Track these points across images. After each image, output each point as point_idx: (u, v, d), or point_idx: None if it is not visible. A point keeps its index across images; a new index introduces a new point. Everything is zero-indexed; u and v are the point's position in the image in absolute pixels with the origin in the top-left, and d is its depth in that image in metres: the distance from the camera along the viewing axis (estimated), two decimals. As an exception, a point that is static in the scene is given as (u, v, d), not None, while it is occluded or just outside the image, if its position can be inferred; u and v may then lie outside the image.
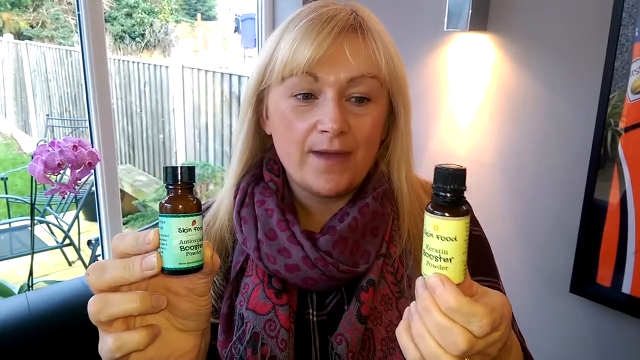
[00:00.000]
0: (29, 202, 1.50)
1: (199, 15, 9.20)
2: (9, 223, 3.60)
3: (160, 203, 0.52)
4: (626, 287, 1.37)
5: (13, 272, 3.38)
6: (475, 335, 0.46)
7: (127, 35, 8.18)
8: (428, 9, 1.76)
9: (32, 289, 1.51)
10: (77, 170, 1.28)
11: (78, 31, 1.65)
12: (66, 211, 3.76)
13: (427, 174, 0.82)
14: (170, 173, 0.53)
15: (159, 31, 8.36)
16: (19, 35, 7.46)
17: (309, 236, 0.70)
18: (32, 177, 1.29)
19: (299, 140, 0.69)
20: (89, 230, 3.94)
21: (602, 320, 1.48)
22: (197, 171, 3.79)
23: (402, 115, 0.74)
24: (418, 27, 1.80)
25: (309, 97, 0.68)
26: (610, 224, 1.38)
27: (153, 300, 0.52)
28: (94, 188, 1.80)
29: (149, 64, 4.93)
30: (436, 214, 0.48)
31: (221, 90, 4.17)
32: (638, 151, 1.31)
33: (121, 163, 5.29)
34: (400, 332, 0.51)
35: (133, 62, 5.18)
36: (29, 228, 1.48)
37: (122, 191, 4.60)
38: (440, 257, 0.48)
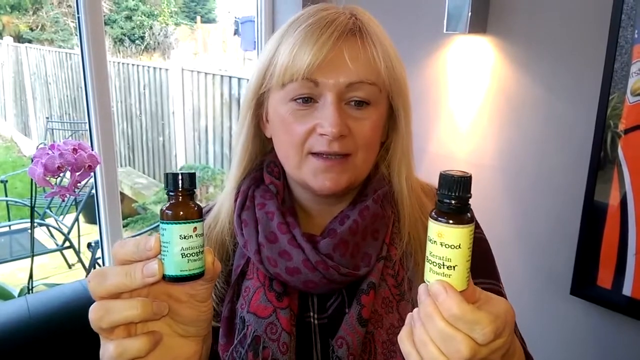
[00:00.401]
0: (29, 204, 1.50)
1: (198, 17, 9.21)
2: (9, 226, 3.60)
3: (161, 210, 0.52)
4: (627, 289, 1.37)
5: (13, 275, 3.37)
6: (478, 342, 0.46)
7: (126, 38, 8.19)
8: (427, 12, 1.76)
9: (32, 292, 1.51)
10: (77, 173, 1.28)
11: (78, 34, 1.65)
12: (66, 214, 3.76)
13: (427, 176, 0.82)
14: (171, 180, 0.53)
15: (159, 34, 8.37)
16: (19, 38, 7.47)
17: (310, 239, 0.70)
18: (32, 180, 1.29)
19: (298, 143, 0.69)
20: (89, 232, 3.94)
21: (602, 322, 1.48)
22: (197, 174, 3.78)
23: (402, 118, 0.74)
24: (418, 29, 1.80)
25: (308, 101, 0.68)
26: (611, 226, 1.38)
27: (154, 307, 0.52)
28: (93, 191, 1.80)
29: (148, 67, 4.93)
30: (440, 221, 0.48)
31: (221, 93, 4.17)
32: (638, 153, 1.31)
33: (121, 166, 5.29)
34: (403, 338, 0.51)
35: (133, 64, 5.18)
36: (29, 231, 1.48)
37: (122, 194, 4.60)
38: (443, 265, 0.48)
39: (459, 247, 0.47)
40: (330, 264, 0.67)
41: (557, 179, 1.53)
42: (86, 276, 0.57)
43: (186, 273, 0.52)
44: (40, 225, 3.53)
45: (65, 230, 3.42)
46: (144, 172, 5.16)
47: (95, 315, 0.51)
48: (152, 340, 0.53)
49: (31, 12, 7.81)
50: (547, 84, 1.51)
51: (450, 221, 0.47)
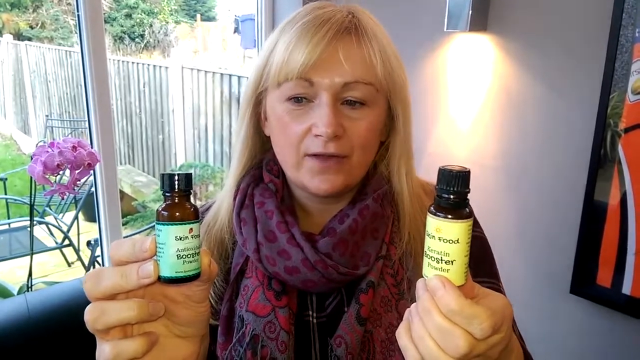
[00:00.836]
0: (28, 202, 1.50)
1: (198, 16, 9.20)
2: (8, 224, 3.60)
3: (157, 210, 0.52)
4: (626, 288, 1.37)
5: (12, 273, 3.38)
6: (476, 337, 0.46)
7: (126, 36, 8.18)
8: (428, 10, 1.76)
9: (31, 290, 1.51)
10: (77, 171, 1.28)
11: (77, 32, 1.65)
12: (65, 212, 3.76)
13: (427, 175, 0.82)
14: (167, 181, 0.52)
15: (159, 32, 8.36)
16: (19, 36, 7.46)
17: (309, 238, 0.69)
18: (31, 177, 1.29)
19: (294, 144, 0.68)
20: (89, 231, 3.93)
21: (602, 321, 1.48)
22: (197, 172, 3.78)
23: (400, 117, 0.74)
24: (418, 28, 1.80)
25: (303, 100, 0.68)
26: (611, 225, 1.38)
27: (150, 308, 0.52)
28: (93, 189, 1.79)
29: (148, 65, 4.92)
30: (439, 215, 0.48)
31: (221, 91, 4.17)
32: (638, 151, 1.31)
33: (121, 164, 5.29)
34: (401, 333, 0.51)
35: (132, 62, 5.18)
36: (28, 229, 1.47)
37: (121, 192, 4.60)
38: (442, 259, 0.48)
39: (457, 242, 0.47)
40: (330, 263, 0.67)
41: (557, 178, 1.53)
42: (85, 274, 0.57)
43: (181, 274, 0.51)
44: (40, 223, 3.53)
45: (65, 228, 3.42)
46: (143, 170, 5.16)
47: (91, 316, 0.51)
48: (149, 341, 0.52)
49: (31, 10, 7.80)
50: (548, 82, 1.51)
51: (449, 216, 0.47)
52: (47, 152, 1.25)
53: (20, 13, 7.75)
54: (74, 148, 1.27)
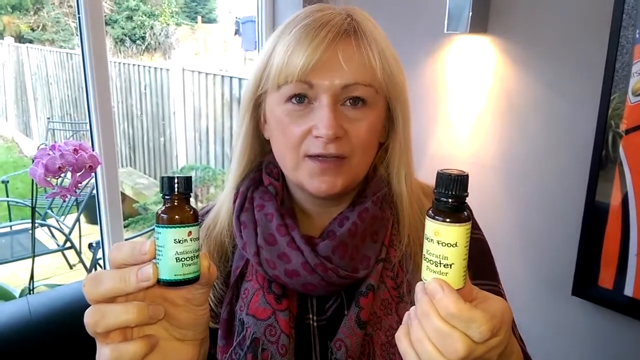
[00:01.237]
0: (30, 205, 1.50)
1: (199, 18, 9.21)
2: (10, 226, 3.61)
3: (157, 213, 0.52)
4: (628, 290, 1.37)
5: (14, 276, 3.38)
6: (475, 340, 0.46)
7: (127, 38, 8.19)
8: (428, 12, 1.76)
9: (33, 293, 1.51)
10: (78, 174, 1.29)
11: (79, 34, 1.65)
12: (67, 214, 3.76)
13: (427, 178, 0.81)
14: (166, 183, 0.52)
15: (160, 34, 8.37)
16: (20, 39, 7.47)
17: (309, 241, 0.69)
18: (32, 180, 1.29)
19: (294, 145, 0.68)
20: (90, 233, 3.94)
21: (604, 322, 1.48)
22: (198, 174, 3.79)
23: (400, 119, 0.74)
24: (418, 29, 1.80)
25: (303, 100, 0.68)
26: (612, 226, 1.38)
27: (150, 311, 0.52)
28: (94, 191, 1.80)
29: (149, 67, 4.93)
30: (437, 219, 0.48)
31: (222, 93, 4.17)
32: (639, 153, 1.31)
33: (122, 166, 5.29)
34: (400, 336, 0.51)
35: (133, 65, 5.18)
36: (30, 231, 1.48)
37: (123, 194, 4.60)
38: (440, 263, 0.48)
39: (456, 246, 0.48)
40: (329, 267, 0.67)
41: (558, 179, 1.53)
42: (85, 277, 0.57)
43: (180, 277, 0.51)
44: (42, 225, 3.53)
45: (67, 231, 3.43)
46: (144, 173, 5.16)
47: (91, 319, 0.51)
48: (148, 344, 0.53)
49: (32, 13, 7.81)
50: (548, 84, 1.51)
51: (447, 219, 0.47)
52: (49, 154, 1.26)
53: (22, 15, 7.76)
54: (76, 151, 1.28)
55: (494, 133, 1.66)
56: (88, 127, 1.73)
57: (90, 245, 2.89)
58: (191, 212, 0.52)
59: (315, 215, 0.77)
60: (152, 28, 8.34)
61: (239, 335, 0.71)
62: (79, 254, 3.41)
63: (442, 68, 1.76)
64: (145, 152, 5.11)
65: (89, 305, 0.52)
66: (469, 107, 1.71)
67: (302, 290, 0.69)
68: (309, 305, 0.73)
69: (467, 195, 0.48)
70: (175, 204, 0.52)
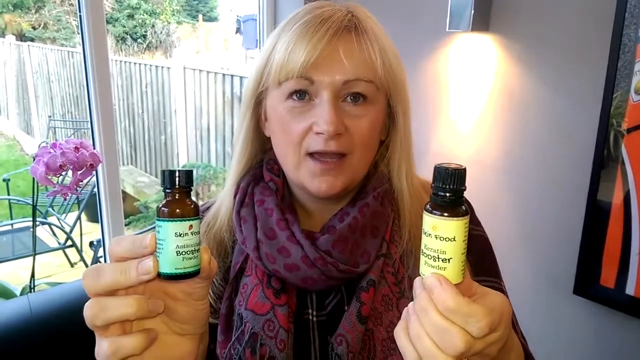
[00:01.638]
0: (31, 203, 1.50)
1: (200, 16, 9.21)
2: (11, 224, 3.61)
3: (158, 207, 0.52)
4: (630, 289, 1.37)
5: (15, 274, 3.38)
6: (474, 336, 0.46)
7: (128, 36, 8.19)
8: (430, 10, 1.76)
9: (34, 291, 1.51)
10: (79, 172, 1.28)
11: (80, 33, 1.65)
12: (68, 212, 3.76)
13: (429, 176, 0.81)
14: (167, 177, 0.52)
15: (161, 32, 8.37)
16: (21, 37, 7.48)
17: (309, 236, 0.69)
18: (34, 178, 1.29)
19: (295, 142, 0.68)
20: (91, 231, 3.94)
21: (605, 321, 1.47)
22: (199, 172, 3.79)
23: (400, 115, 0.74)
24: (420, 27, 1.80)
25: (304, 96, 0.68)
26: (614, 225, 1.38)
27: (150, 305, 0.52)
28: (95, 189, 1.80)
29: (150, 65, 4.93)
30: (435, 213, 0.48)
31: (223, 91, 4.17)
32: (641, 152, 1.31)
33: (123, 164, 5.29)
34: (399, 332, 0.51)
35: (135, 63, 5.18)
36: (31, 229, 1.48)
37: (124, 192, 4.59)
38: (438, 257, 0.48)
39: (454, 240, 0.47)
40: (329, 261, 0.67)
41: (560, 178, 1.52)
42: (85, 270, 0.57)
43: (181, 271, 0.51)
44: (43, 223, 3.54)
45: (68, 229, 3.43)
46: (146, 171, 5.16)
47: (90, 312, 0.50)
48: (148, 338, 0.52)
49: (33, 11, 7.82)
50: (550, 82, 1.51)
51: (445, 214, 0.47)
52: (50, 153, 1.26)
53: (23, 14, 7.77)
54: (76, 149, 1.27)
55: (495, 131, 1.66)
56: (89, 125, 1.73)
57: (91, 244, 2.90)
58: (192, 206, 0.52)
59: (315, 212, 0.77)
60: (153, 26, 8.34)
61: (237, 330, 0.71)
62: (80, 252, 3.41)
63: (444, 66, 1.76)
64: (146, 150, 5.11)
65: (89, 299, 0.52)
66: (470, 105, 1.71)
67: (302, 285, 0.69)
68: (309, 300, 0.73)
69: (464, 189, 0.48)
70: (177, 197, 0.52)
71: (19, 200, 3.89)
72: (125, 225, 2.08)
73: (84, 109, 5.20)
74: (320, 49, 0.65)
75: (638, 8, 1.27)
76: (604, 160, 1.38)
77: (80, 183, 1.32)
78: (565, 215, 1.52)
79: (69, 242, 3.41)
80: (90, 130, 1.74)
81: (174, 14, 8.83)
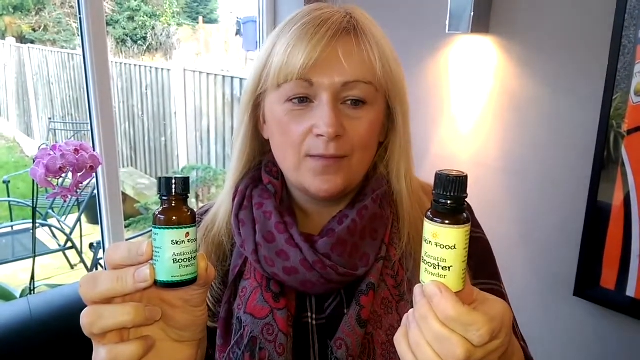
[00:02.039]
0: (31, 205, 1.50)
1: (200, 18, 9.22)
2: (11, 226, 3.61)
3: (154, 214, 0.52)
4: (630, 290, 1.36)
5: (15, 276, 3.38)
6: (474, 344, 0.46)
7: (129, 38, 8.20)
8: (430, 11, 1.76)
9: (33, 293, 1.51)
10: (79, 174, 1.29)
11: (80, 35, 1.65)
12: (68, 214, 3.76)
13: (429, 177, 0.81)
14: (164, 184, 0.52)
15: (161, 34, 8.38)
16: (22, 39, 7.49)
17: (308, 239, 0.69)
18: (33, 180, 1.29)
19: (295, 145, 0.68)
20: (91, 233, 3.95)
21: (606, 323, 1.47)
22: (199, 174, 3.79)
23: (399, 117, 0.74)
24: (420, 29, 1.80)
25: (304, 100, 0.68)
26: (614, 227, 1.38)
27: (147, 312, 0.51)
28: (95, 191, 1.80)
29: (150, 67, 4.94)
30: (436, 221, 0.47)
31: (223, 93, 4.18)
32: (641, 153, 1.31)
33: (123, 166, 5.30)
34: (399, 339, 0.50)
35: (135, 65, 5.19)
36: (31, 231, 1.48)
37: (124, 194, 4.60)
38: (439, 265, 0.48)
39: (455, 248, 0.47)
40: (328, 264, 0.66)
41: (560, 180, 1.52)
42: (81, 278, 0.57)
43: (177, 279, 0.51)
44: (43, 225, 3.54)
45: (68, 231, 3.43)
46: (146, 173, 5.17)
47: (87, 320, 0.50)
48: (145, 346, 0.52)
49: (34, 13, 7.83)
50: (550, 84, 1.51)
51: (446, 221, 0.47)
52: (50, 155, 1.26)
53: (23, 16, 7.78)
54: (76, 151, 1.28)
55: (495, 133, 1.66)
56: (89, 127, 1.73)
57: (91, 245, 2.90)
58: (189, 213, 0.52)
59: (314, 214, 0.76)
60: (153, 28, 8.35)
61: (236, 334, 0.70)
62: (80, 254, 3.41)
63: (443, 68, 1.76)
64: (147, 152, 5.12)
65: (86, 306, 0.52)
66: (470, 107, 1.71)
67: (301, 288, 0.69)
68: (308, 304, 0.72)
69: (466, 197, 0.47)
70: (173, 204, 0.52)
71: (19, 202, 3.89)
72: (125, 227, 2.08)
73: (84, 111, 5.19)
74: (319, 51, 0.65)
75: (638, 9, 1.27)
76: (604, 162, 1.38)
77: (80, 185, 1.32)
78: (565, 216, 1.52)
79: (69, 244, 3.41)
80: (90, 132, 1.74)
81: (174, 16, 8.84)
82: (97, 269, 2.85)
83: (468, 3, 1.55)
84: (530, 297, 1.63)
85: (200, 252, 0.54)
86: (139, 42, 8.26)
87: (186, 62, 5.07)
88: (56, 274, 3.62)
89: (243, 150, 0.77)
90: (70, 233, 3.42)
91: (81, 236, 3.51)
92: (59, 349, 1.21)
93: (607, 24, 1.33)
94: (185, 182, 0.53)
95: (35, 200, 1.46)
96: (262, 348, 0.67)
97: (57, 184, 1.29)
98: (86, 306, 0.51)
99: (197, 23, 9.09)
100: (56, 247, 3.48)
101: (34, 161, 1.28)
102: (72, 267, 3.63)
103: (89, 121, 1.72)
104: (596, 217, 1.41)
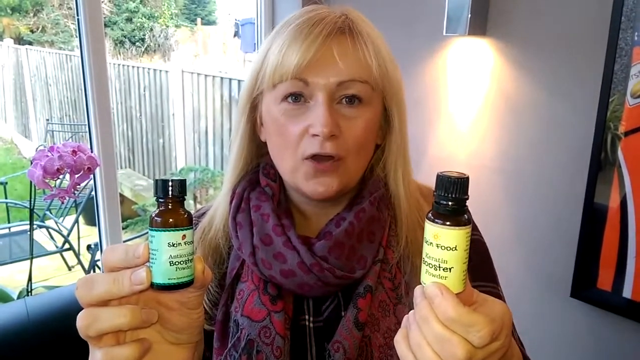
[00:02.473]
0: (29, 206, 1.50)
1: (198, 19, 9.22)
2: (9, 228, 3.60)
3: (150, 216, 0.52)
4: (627, 292, 1.37)
5: (12, 277, 3.37)
6: (475, 345, 0.46)
7: (127, 39, 8.19)
8: (427, 14, 1.76)
9: (31, 294, 1.51)
10: (76, 175, 1.28)
11: (78, 36, 1.65)
12: (66, 216, 3.76)
13: (426, 179, 0.81)
14: (160, 186, 0.52)
15: (159, 36, 8.37)
16: (19, 40, 7.47)
17: (305, 241, 0.69)
18: (31, 182, 1.29)
19: (292, 146, 0.68)
20: (89, 234, 3.93)
21: (602, 324, 1.47)
22: (197, 175, 3.78)
23: (396, 118, 0.74)
24: (417, 31, 1.80)
25: (299, 99, 0.68)
26: (611, 228, 1.38)
27: (143, 315, 0.51)
28: (93, 192, 1.80)
29: (148, 69, 4.93)
30: (437, 222, 0.47)
31: (221, 95, 4.17)
32: (638, 155, 1.31)
33: (121, 167, 5.29)
34: (399, 341, 0.50)
35: (133, 66, 5.19)
36: (29, 233, 1.48)
37: (122, 195, 4.60)
38: (439, 267, 0.48)
39: (455, 249, 0.47)
40: (326, 267, 0.66)
41: (557, 181, 1.53)
42: (78, 280, 0.57)
43: (174, 281, 0.51)
44: (40, 227, 3.53)
45: (65, 232, 3.42)
46: (144, 174, 5.16)
47: (83, 322, 0.50)
48: (142, 348, 0.52)
49: (31, 14, 7.81)
50: (547, 86, 1.51)
51: (447, 223, 0.47)
52: (47, 156, 1.25)
53: (21, 17, 7.76)
54: (74, 152, 1.27)
55: (492, 135, 1.66)
56: (87, 129, 1.73)
57: (88, 247, 2.90)
58: (185, 216, 0.52)
59: (312, 217, 0.76)
60: (151, 30, 8.34)
61: (233, 336, 0.70)
62: (77, 255, 3.40)
63: (441, 70, 1.76)
64: (144, 154, 5.11)
65: (82, 308, 0.52)
66: (467, 109, 1.71)
67: (298, 291, 0.69)
68: (305, 306, 0.72)
69: (467, 198, 0.48)
70: (170, 207, 0.52)
71: (16, 204, 3.88)
72: (123, 228, 2.08)
73: (82, 112, 5.19)
74: (314, 51, 0.65)
75: (634, 12, 1.28)
76: (601, 164, 1.38)
77: (78, 186, 1.32)
78: (562, 218, 1.52)
79: (67, 246, 3.40)
80: (88, 134, 1.73)
81: (172, 18, 8.83)
82: (94, 270, 2.85)
83: (465, 5, 1.56)
84: (527, 298, 1.63)
85: (197, 255, 0.54)
86: (137, 43, 8.25)
87: (184, 64, 5.07)
88: (53, 276, 3.61)
89: (240, 153, 0.77)
90: (68, 234, 3.41)
91: (79, 238, 3.50)
92: (56, 350, 1.21)
93: (603, 26, 1.34)
94: (181, 184, 0.53)
95: (32, 202, 1.46)
96: (259, 351, 0.67)
97: (55, 186, 1.29)
98: (82, 308, 0.51)
99: (195, 24, 9.09)
100: (53, 248, 3.47)
101: (31, 162, 1.27)
102: (69, 268, 3.62)
103: (86, 122, 1.72)
104: (593, 218, 1.41)
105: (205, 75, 4.34)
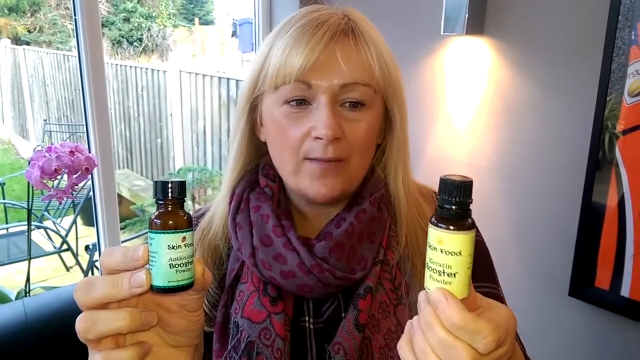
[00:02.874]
0: (26, 207, 1.50)
1: (196, 19, 9.20)
2: (7, 228, 3.60)
3: (150, 219, 0.51)
4: (625, 291, 1.37)
5: (10, 278, 3.37)
6: (480, 352, 0.45)
7: (124, 39, 8.17)
8: (425, 13, 1.76)
9: (29, 295, 1.50)
10: (74, 176, 1.28)
11: (75, 36, 1.65)
12: (64, 216, 3.75)
13: (425, 178, 0.81)
14: (160, 188, 0.51)
15: (157, 36, 8.35)
16: (17, 41, 7.45)
17: (305, 242, 0.69)
18: (29, 182, 1.28)
19: (293, 147, 0.68)
20: (87, 235, 3.93)
21: (600, 323, 1.48)
22: (195, 175, 3.78)
23: (397, 120, 0.73)
24: (415, 31, 1.80)
25: (302, 103, 0.67)
26: (609, 227, 1.38)
27: (143, 318, 0.51)
28: (91, 193, 1.79)
29: (146, 69, 4.92)
30: (440, 227, 0.47)
31: (219, 95, 4.17)
32: (636, 154, 1.31)
33: (119, 168, 5.28)
34: (403, 346, 0.50)
35: (131, 66, 5.18)
36: (26, 233, 1.47)
37: (120, 196, 4.59)
38: (444, 272, 0.47)
39: (460, 254, 0.46)
40: (326, 268, 0.66)
41: (554, 180, 1.53)
42: (77, 283, 0.57)
43: (174, 284, 0.50)
44: (38, 227, 3.53)
45: (63, 233, 3.42)
46: (142, 174, 5.15)
47: (82, 325, 0.50)
48: (141, 351, 0.52)
49: (29, 14, 7.79)
50: (545, 85, 1.51)
51: (451, 227, 0.46)
52: (45, 156, 1.25)
53: (18, 17, 7.74)
54: (72, 153, 1.27)
55: (490, 134, 1.66)
56: (85, 129, 1.73)
57: (86, 248, 2.89)
58: (185, 217, 0.51)
59: (312, 217, 0.76)
60: (149, 30, 8.32)
61: (233, 338, 0.70)
62: (75, 256, 3.40)
63: (438, 69, 1.76)
64: (142, 154, 5.10)
65: (82, 310, 0.51)
66: (465, 108, 1.71)
67: (298, 292, 0.68)
68: (305, 307, 0.72)
69: (471, 202, 0.47)
70: (169, 209, 0.51)
71: (14, 204, 3.87)
72: (121, 229, 2.08)
73: (80, 112, 5.20)
74: (317, 53, 0.64)
75: (632, 11, 1.28)
76: (599, 163, 1.38)
77: (76, 187, 1.31)
78: (560, 217, 1.52)
79: (65, 246, 3.40)
80: (85, 134, 1.73)
81: (170, 18, 8.81)
82: (92, 271, 2.85)
83: (463, 5, 1.56)
84: (526, 297, 1.63)
85: (196, 257, 0.53)
86: (134, 43, 8.24)
87: (182, 64, 5.07)
88: (52, 276, 3.61)
89: (239, 153, 0.76)
90: (66, 235, 3.40)
91: (77, 238, 3.50)
92: (54, 351, 1.21)
93: (601, 25, 1.34)
94: (181, 186, 0.52)
95: (30, 202, 1.46)
96: (259, 352, 0.67)
97: (53, 186, 1.29)
98: (81, 310, 0.51)
99: (193, 24, 9.08)
100: (52, 249, 3.47)
101: (29, 163, 1.27)
102: (67, 269, 3.62)
103: (84, 123, 1.72)
104: (591, 217, 1.42)
105: (203, 75, 4.33)
